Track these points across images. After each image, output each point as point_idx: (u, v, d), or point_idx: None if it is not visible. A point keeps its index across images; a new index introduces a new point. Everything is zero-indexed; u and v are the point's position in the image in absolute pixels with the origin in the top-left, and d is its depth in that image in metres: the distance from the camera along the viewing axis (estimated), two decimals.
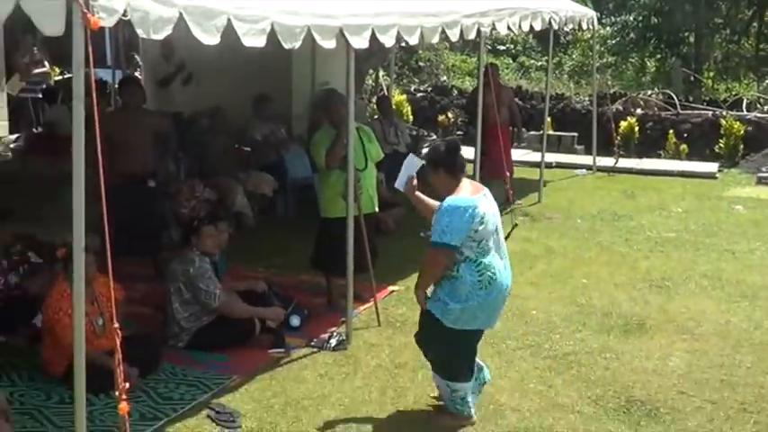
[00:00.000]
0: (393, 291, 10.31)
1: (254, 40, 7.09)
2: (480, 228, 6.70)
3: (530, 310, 9.84)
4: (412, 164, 7.47)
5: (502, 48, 31.86)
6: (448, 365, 7.04)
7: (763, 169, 18.64)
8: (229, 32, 6.74)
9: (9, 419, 6.59)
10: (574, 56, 32.50)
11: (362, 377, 8.01)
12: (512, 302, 9.93)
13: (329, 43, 8.15)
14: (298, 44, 7.69)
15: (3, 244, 8.92)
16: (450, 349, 6.94)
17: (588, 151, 19.44)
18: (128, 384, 5.49)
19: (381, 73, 21.12)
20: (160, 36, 6.02)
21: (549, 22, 14.67)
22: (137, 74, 16.80)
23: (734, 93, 25.45)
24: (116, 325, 5.52)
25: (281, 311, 8.99)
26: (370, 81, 21.40)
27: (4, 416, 6.56)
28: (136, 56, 18.46)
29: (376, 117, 15.94)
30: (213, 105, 13.78)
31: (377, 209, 10.23)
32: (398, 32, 9.42)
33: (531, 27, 14.02)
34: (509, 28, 13.09)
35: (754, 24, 31.54)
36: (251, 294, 9.12)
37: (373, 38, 8.83)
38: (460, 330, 6.86)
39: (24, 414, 7.13)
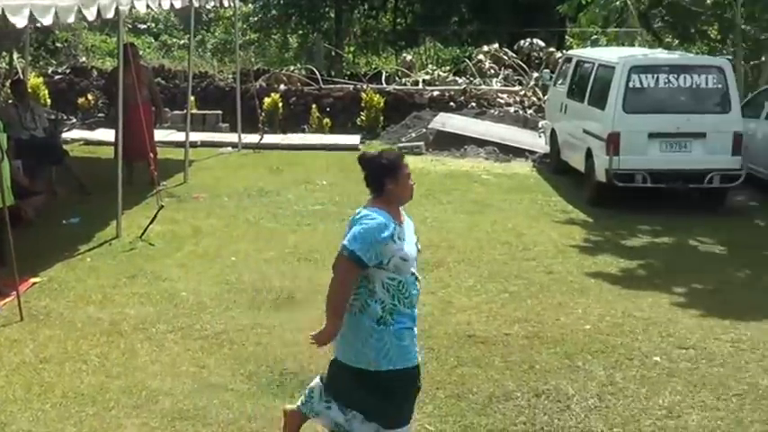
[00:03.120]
0: (35, 282, 9.85)
1: None
2: None
3: (179, 292, 9.71)
4: None
5: (143, 27, 31.33)
6: None
7: (403, 139, 19.39)
8: None
9: None
10: (217, 33, 32.46)
11: (5, 375, 7.60)
12: (159, 286, 9.85)
13: None
14: None
15: None
16: None
17: (233, 129, 19.44)
18: None
19: (16, 55, 20.16)
20: None
21: (190, 0, 14.52)
22: None
23: (374, 66, 26.31)
24: None
25: None
26: (4, 64, 20.41)
27: None
28: None
29: (11, 101, 15.18)
30: None
31: (14, 200, 9.78)
32: (31, 12, 9.03)
33: (172, 5, 13.83)
34: (148, 6, 12.85)
35: (391, 0, 32.67)
36: None
37: (3, 18, 8.40)
38: None
39: None
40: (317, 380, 6.00)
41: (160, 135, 16.86)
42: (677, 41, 27.19)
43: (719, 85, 14.30)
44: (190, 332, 8.63)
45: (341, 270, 5.53)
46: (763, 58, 22.38)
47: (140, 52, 18.39)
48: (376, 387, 5.62)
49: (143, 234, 11.66)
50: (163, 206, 12.22)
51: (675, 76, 14.34)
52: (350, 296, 5.58)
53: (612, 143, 13.87)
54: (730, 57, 20.03)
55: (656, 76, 14.31)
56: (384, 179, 5.60)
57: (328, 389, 5.85)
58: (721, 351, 8.48)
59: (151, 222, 11.82)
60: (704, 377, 7.84)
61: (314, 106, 21.07)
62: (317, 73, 23.28)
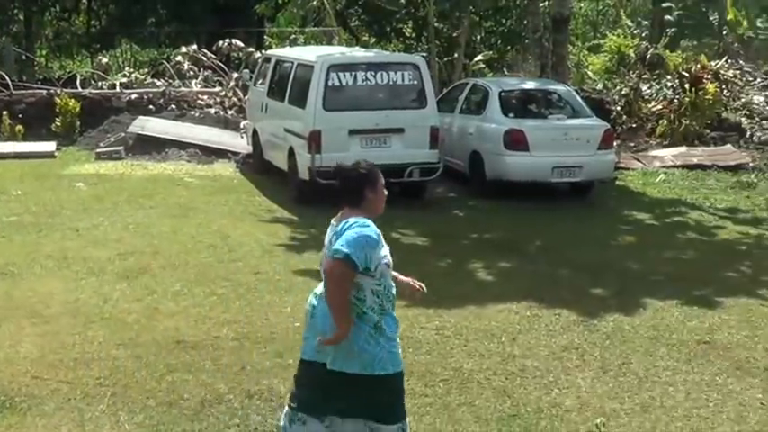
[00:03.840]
0: None
1: None
2: None
3: None
4: None
5: None
6: None
7: (101, 145, 18.89)
8: None
9: None
10: None
11: None
12: None
13: None
14: None
15: None
16: None
17: None
18: None
19: None
20: None
21: None
22: None
23: (68, 70, 25.56)
24: None
25: None
26: None
27: None
28: None
29: None
30: None
31: None
32: None
33: None
34: None
35: (84, 1, 31.91)
36: None
37: None
38: None
39: None
40: (285, 409, 5.71)
41: None
42: (374, 39, 27.98)
43: (415, 82, 14.71)
44: None
45: (336, 274, 5.36)
46: (456, 55, 23.33)
47: None
48: (369, 390, 5.50)
49: None
50: None
51: (373, 73, 14.63)
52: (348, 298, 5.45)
53: (314, 141, 14.00)
54: (425, 54, 20.76)
55: (354, 74, 14.55)
56: (364, 189, 5.65)
57: (301, 406, 5.60)
58: (427, 339, 8.71)
59: None
60: (412, 365, 8.00)
61: (5, 113, 20.18)
62: (6, 78, 22.31)
